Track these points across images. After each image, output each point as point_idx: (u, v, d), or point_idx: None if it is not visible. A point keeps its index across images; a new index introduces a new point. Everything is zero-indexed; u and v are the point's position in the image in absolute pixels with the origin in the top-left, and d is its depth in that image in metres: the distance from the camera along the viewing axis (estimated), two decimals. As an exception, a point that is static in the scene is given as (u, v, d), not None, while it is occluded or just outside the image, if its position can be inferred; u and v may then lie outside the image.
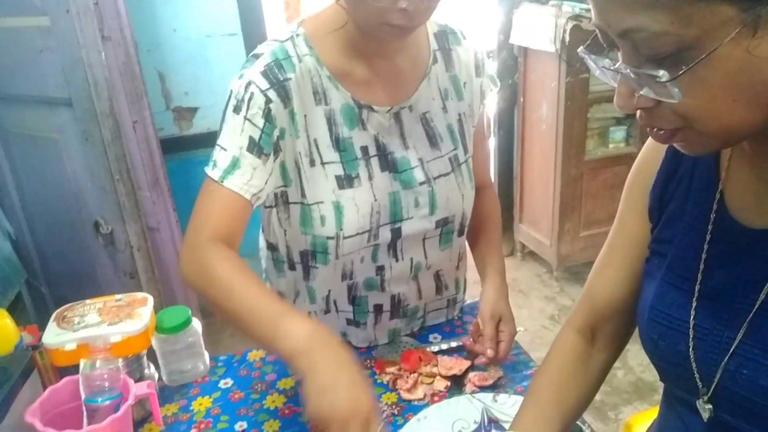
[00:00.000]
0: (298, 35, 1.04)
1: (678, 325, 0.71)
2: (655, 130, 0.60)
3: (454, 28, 1.16)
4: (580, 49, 0.61)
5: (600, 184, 3.03)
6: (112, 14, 2.02)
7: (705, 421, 0.70)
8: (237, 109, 0.99)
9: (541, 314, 2.98)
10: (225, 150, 0.99)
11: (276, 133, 1.01)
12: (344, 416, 0.74)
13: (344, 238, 1.07)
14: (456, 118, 1.16)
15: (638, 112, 0.59)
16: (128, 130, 2.17)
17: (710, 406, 0.68)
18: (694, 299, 0.69)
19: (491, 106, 1.23)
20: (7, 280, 1.84)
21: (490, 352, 1.09)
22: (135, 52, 2.14)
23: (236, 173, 0.98)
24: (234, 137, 0.99)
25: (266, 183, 1.02)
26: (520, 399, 1.06)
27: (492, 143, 3.28)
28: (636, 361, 2.63)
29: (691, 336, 0.69)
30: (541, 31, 2.81)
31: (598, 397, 2.49)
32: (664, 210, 0.76)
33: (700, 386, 0.69)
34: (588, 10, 2.74)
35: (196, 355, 1.20)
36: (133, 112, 2.17)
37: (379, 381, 1.16)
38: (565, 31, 2.65)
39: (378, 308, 1.20)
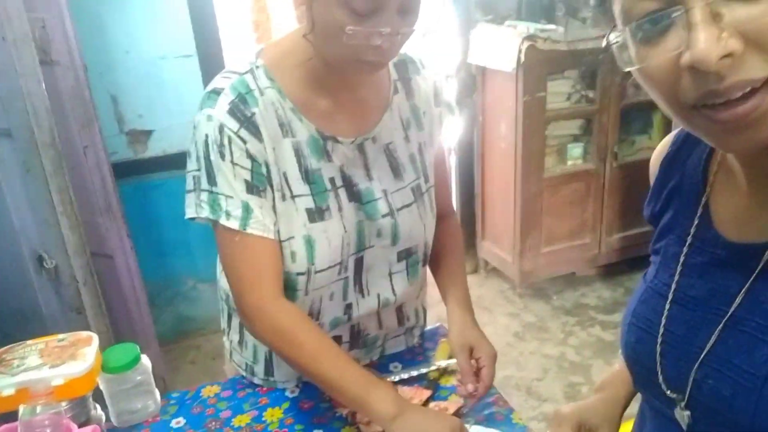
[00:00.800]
0: (257, 67, 1.01)
1: (655, 330, 0.71)
2: (738, 97, 0.52)
3: (413, 57, 1.15)
4: (631, 25, 0.56)
5: (560, 200, 3.07)
6: (60, 37, 1.97)
7: (684, 429, 0.69)
8: (222, 156, 0.97)
9: (506, 331, 2.99)
10: (231, 197, 0.98)
11: (263, 169, 0.99)
12: None
13: (316, 272, 1.05)
14: (417, 148, 1.14)
15: (718, 72, 0.51)
16: (79, 156, 2.10)
17: (688, 413, 0.68)
18: (667, 303, 0.70)
19: (448, 129, 1.21)
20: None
21: (470, 387, 1.06)
22: (84, 76, 2.09)
23: (252, 217, 0.98)
24: (233, 183, 0.97)
25: (275, 216, 1.02)
26: (481, 429, 1.05)
27: (453, 161, 3.29)
28: (599, 376, 2.64)
29: (659, 341, 0.69)
30: (497, 51, 2.85)
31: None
32: (660, 221, 0.78)
33: (669, 393, 0.69)
34: (543, 30, 2.79)
35: (146, 393, 1.14)
36: (83, 137, 2.11)
37: (338, 414, 1.13)
38: (521, 51, 2.69)
39: (337, 339, 1.18)
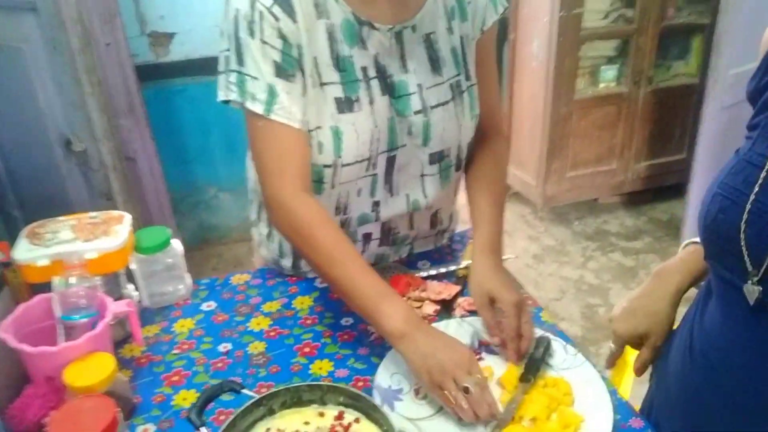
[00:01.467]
0: None
1: (743, 200, 0.70)
2: None
3: None
4: None
5: (589, 124, 2.99)
6: (82, -77, 1.88)
7: (751, 304, 0.70)
8: (252, 33, 0.92)
9: (525, 253, 2.99)
10: (257, 79, 0.94)
11: (295, 51, 0.94)
12: (451, 369, 0.85)
13: (342, 166, 1.01)
14: (459, 42, 1.07)
15: None
16: (101, 53, 2.05)
17: (759, 288, 0.68)
18: (763, 172, 0.69)
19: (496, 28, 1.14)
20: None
21: (495, 340, 0.98)
22: (107, -33, 2.01)
23: (277, 102, 0.94)
24: (260, 64, 0.93)
25: (304, 105, 0.97)
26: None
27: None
28: (618, 299, 2.65)
29: (747, 209, 0.69)
30: (535, -39, 2.70)
31: (579, 332, 2.52)
32: (762, 95, 0.75)
33: (749, 266, 0.69)
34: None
35: (177, 277, 1.15)
36: (105, 33, 2.05)
37: (367, 305, 1.13)
38: (561, -39, 2.55)
39: (367, 237, 1.16)
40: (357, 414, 0.84)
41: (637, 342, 0.95)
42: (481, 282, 1.00)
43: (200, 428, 0.77)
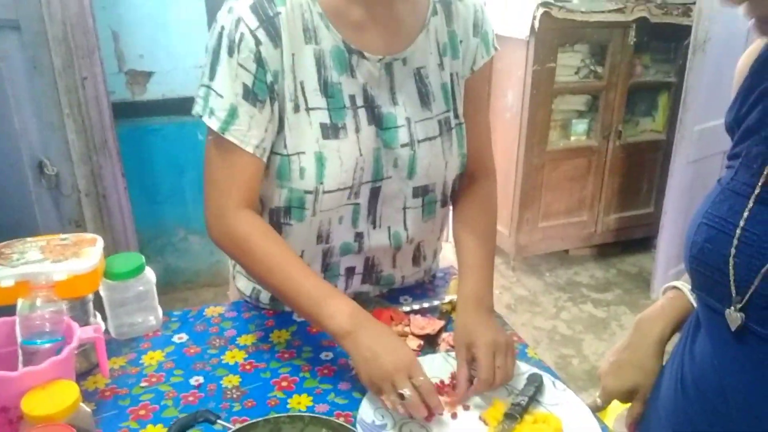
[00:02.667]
0: None
1: (729, 229, 0.71)
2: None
3: None
4: None
5: (561, 175, 3.05)
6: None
7: (733, 330, 0.70)
8: (230, 52, 0.91)
9: (497, 303, 2.95)
10: (221, 97, 0.93)
11: (269, 77, 0.94)
12: (390, 372, 0.85)
13: (324, 192, 0.99)
14: (450, 78, 1.06)
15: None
16: (77, 87, 2.02)
17: (742, 314, 0.69)
18: (750, 202, 0.70)
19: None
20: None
21: (458, 390, 0.93)
22: (89, 3, 2.00)
23: (236, 123, 0.93)
24: (230, 83, 0.92)
25: (266, 132, 0.96)
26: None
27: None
28: (591, 350, 2.64)
29: (737, 238, 0.69)
30: (510, 17, 2.81)
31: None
32: (743, 123, 0.75)
33: (734, 293, 0.69)
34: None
35: (148, 308, 1.09)
36: (83, 67, 2.03)
37: (347, 340, 1.09)
38: (535, 18, 2.65)
39: (350, 271, 1.13)
40: (340, 448, 0.79)
41: (627, 396, 0.93)
42: (464, 328, 0.97)
43: (171, 461, 0.71)
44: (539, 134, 2.92)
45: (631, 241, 3.48)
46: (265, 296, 1.16)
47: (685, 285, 0.92)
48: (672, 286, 0.93)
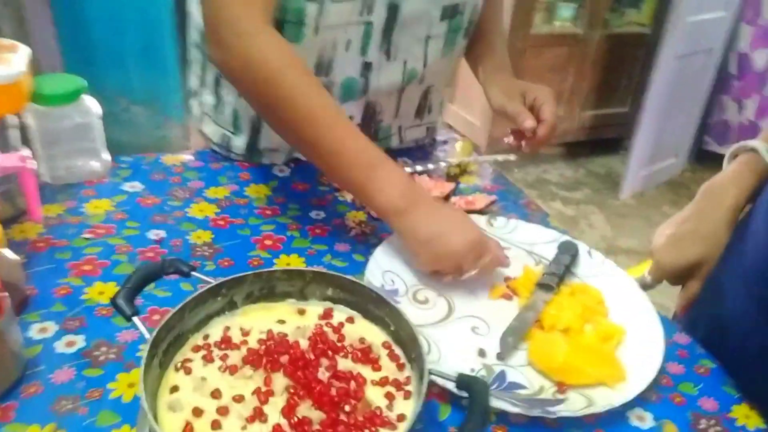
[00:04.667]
0: None
1: None
2: None
3: None
4: None
5: (542, 63, 2.86)
6: None
7: None
8: None
9: (465, 196, 2.84)
10: None
11: None
12: (460, 254, 0.70)
13: (332, 1, 0.77)
14: None
15: None
16: None
17: None
18: None
19: None
20: None
21: (529, 122, 0.86)
22: None
23: None
24: None
25: None
26: (521, 223, 0.86)
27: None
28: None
29: None
30: None
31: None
32: None
33: None
34: None
35: (90, 150, 0.87)
36: None
37: (341, 199, 0.90)
38: None
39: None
40: (350, 312, 0.62)
41: (683, 275, 0.79)
42: (507, 86, 0.92)
43: (131, 318, 0.52)
44: (523, 15, 2.69)
45: (600, 140, 3.38)
46: (239, 143, 0.95)
47: (763, 144, 0.77)
48: (747, 148, 0.78)
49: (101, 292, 0.68)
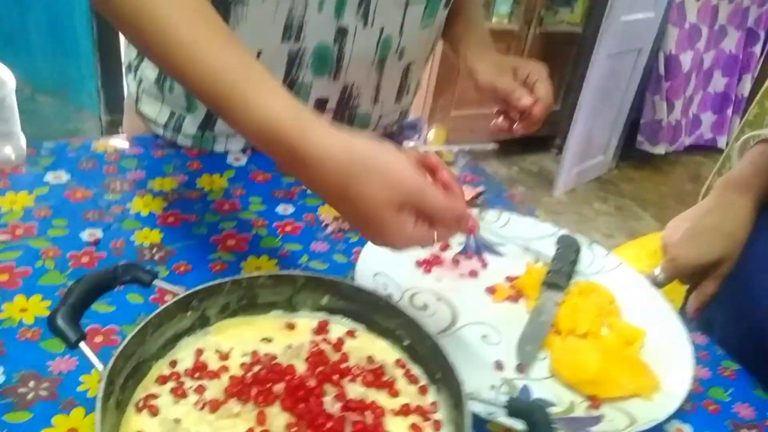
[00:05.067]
0: None
1: None
2: None
3: None
4: None
5: (478, 60, 2.82)
6: None
7: None
8: None
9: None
10: None
11: None
12: (389, 202, 0.46)
13: None
14: None
15: None
16: None
17: None
18: None
19: None
20: None
21: (525, 100, 0.76)
22: None
23: None
24: None
25: None
26: (514, 216, 0.78)
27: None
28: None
29: None
30: None
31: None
32: None
33: None
34: None
35: (1, 134, 0.71)
36: None
37: (308, 192, 0.78)
38: None
39: (321, 104, 0.81)
40: (350, 324, 0.51)
41: (702, 270, 0.72)
42: (496, 61, 0.82)
43: (77, 344, 0.39)
44: (461, 11, 2.65)
45: (531, 139, 3.40)
46: (189, 125, 0.81)
47: None
48: (757, 136, 0.73)
49: (23, 309, 0.53)
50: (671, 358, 0.60)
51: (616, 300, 0.67)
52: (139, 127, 0.85)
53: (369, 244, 0.65)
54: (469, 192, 0.83)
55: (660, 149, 3.43)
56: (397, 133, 1.00)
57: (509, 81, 0.78)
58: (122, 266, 0.45)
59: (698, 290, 0.72)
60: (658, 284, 0.71)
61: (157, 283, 0.46)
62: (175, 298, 0.45)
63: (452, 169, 0.92)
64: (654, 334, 0.63)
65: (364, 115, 0.87)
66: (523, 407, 0.40)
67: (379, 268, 0.64)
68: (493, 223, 0.77)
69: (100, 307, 0.54)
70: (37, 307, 0.53)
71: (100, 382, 0.37)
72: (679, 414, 0.55)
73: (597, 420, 0.52)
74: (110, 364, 0.38)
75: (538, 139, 3.41)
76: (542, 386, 0.55)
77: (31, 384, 0.46)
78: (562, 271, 0.68)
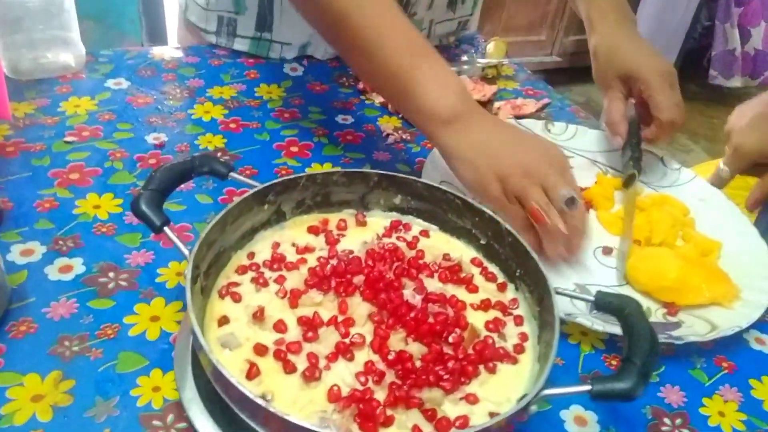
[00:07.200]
0: None
1: None
2: None
3: None
4: None
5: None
6: None
7: None
8: None
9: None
10: None
11: None
12: (540, 168, 0.52)
13: None
14: None
15: None
16: None
17: None
18: None
19: None
20: None
21: (615, 140, 0.68)
22: None
23: None
24: None
25: None
26: (581, 128, 0.75)
27: None
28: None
29: None
30: None
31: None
32: None
33: None
34: None
35: (61, 40, 0.70)
36: None
37: (368, 102, 0.77)
38: None
39: None
40: (424, 224, 0.50)
41: (761, 164, 0.67)
42: (610, 57, 0.70)
43: (161, 229, 0.39)
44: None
45: (577, 69, 3.27)
46: (246, 26, 0.78)
47: None
48: None
49: (96, 206, 0.53)
50: (749, 270, 0.57)
51: (690, 212, 0.65)
52: (191, 42, 0.83)
53: (433, 152, 0.63)
54: (534, 104, 0.80)
55: (736, 82, 3.14)
56: (454, 45, 0.96)
57: (614, 103, 0.70)
58: (199, 157, 0.44)
59: (762, 180, 0.66)
60: (723, 181, 0.66)
61: (233, 175, 0.45)
62: (253, 190, 0.44)
63: (513, 83, 0.88)
64: (730, 247, 0.60)
65: (418, 21, 0.84)
66: (615, 300, 0.39)
67: (444, 176, 0.62)
68: (561, 134, 0.74)
69: (171, 205, 0.54)
70: (110, 204, 0.54)
71: (187, 265, 0.37)
72: (758, 324, 0.53)
73: (676, 326, 0.50)
74: (195, 249, 0.38)
75: (582, 69, 3.28)
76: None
77: (111, 275, 0.47)
78: (634, 156, 0.66)
